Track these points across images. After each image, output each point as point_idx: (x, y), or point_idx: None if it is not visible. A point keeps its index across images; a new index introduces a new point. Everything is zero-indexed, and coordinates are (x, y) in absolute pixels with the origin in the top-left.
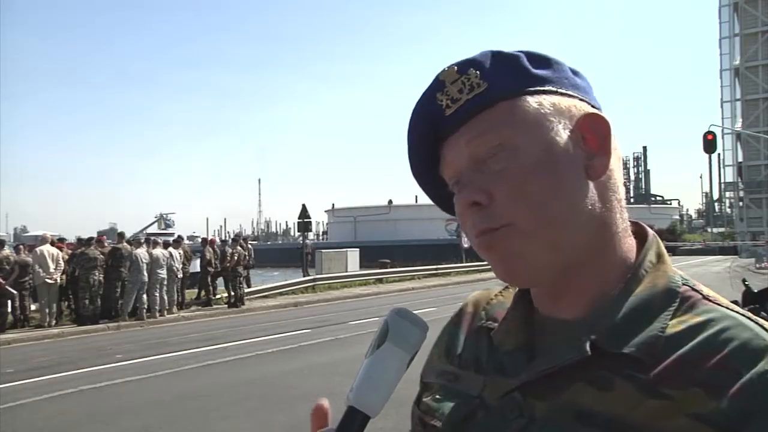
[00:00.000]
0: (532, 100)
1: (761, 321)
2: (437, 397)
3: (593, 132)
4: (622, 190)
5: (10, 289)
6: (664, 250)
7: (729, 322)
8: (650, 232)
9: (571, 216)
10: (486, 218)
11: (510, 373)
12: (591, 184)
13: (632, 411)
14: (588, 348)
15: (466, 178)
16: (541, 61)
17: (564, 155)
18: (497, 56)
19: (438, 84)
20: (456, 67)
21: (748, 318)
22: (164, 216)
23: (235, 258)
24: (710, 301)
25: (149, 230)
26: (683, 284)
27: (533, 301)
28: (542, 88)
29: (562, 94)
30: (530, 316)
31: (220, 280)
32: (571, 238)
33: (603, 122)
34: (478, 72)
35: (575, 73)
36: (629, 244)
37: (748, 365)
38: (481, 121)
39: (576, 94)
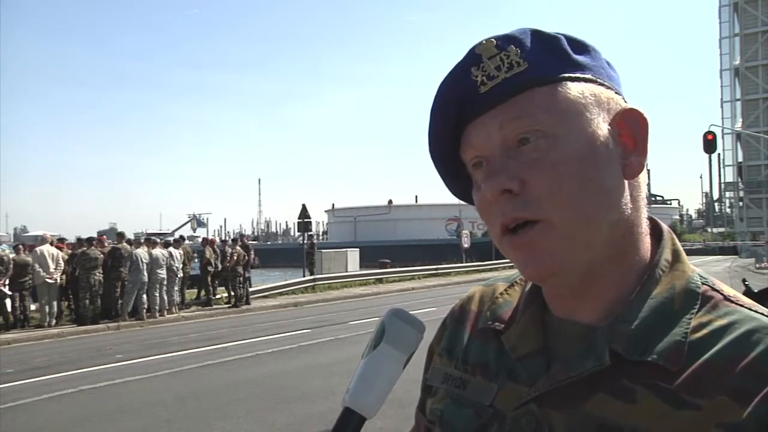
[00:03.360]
0: (574, 88)
1: None
2: (445, 404)
3: (631, 129)
4: (645, 190)
5: (3, 289)
6: (680, 247)
7: (754, 324)
8: (665, 228)
9: (607, 215)
10: (519, 206)
11: (524, 380)
12: (625, 183)
13: (658, 423)
14: (607, 356)
15: (497, 164)
16: (580, 46)
17: (604, 150)
18: (537, 35)
19: (474, 58)
20: (495, 41)
21: None
22: (197, 216)
23: (234, 258)
24: (732, 301)
25: (182, 230)
26: (703, 283)
27: (547, 302)
28: (582, 76)
29: (600, 84)
30: (543, 319)
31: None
32: (603, 237)
33: (642, 119)
34: (518, 50)
35: (608, 64)
36: (647, 243)
37: None
38: (519, 103)
39: (612, 86)
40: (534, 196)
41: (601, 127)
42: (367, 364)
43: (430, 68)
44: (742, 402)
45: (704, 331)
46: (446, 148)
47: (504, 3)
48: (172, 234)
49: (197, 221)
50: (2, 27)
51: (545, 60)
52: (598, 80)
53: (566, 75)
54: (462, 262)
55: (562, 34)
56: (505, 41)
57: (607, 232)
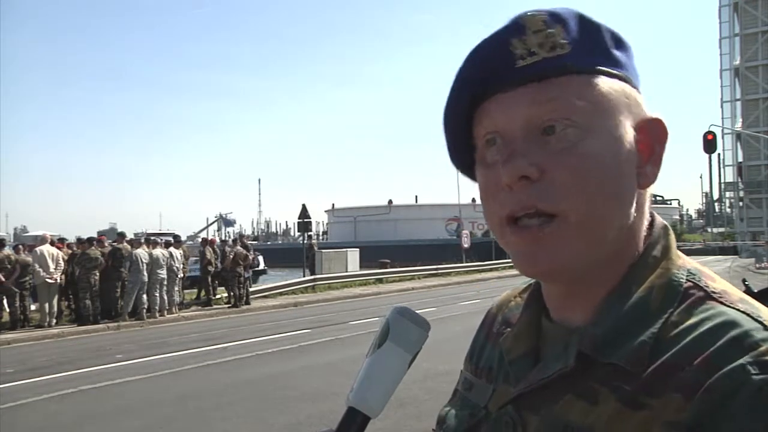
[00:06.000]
0: (609, 84)
1: (764, 315)
2: (453, 404)
3: (651, 138)
4: (649, 200)
5: (12, 287)
6: (673, 243)
7: (722, 319)
8: (658, 223)
9: (619, 219)
10: (536, 195)
11: (513, 383)
12: (637, 192)
13: (613, 424)
14: (573, 359)
15: (519, 146)
16: (618, 40)
17: (627, 154)
18: (582, 20)
19: (517, 28)
20: (543, 15)
21: (747, 314)
22: (224, 216)
23: (231, 257)
24: (714, 298)
25: (210, 230)
26: (688, 280)
27: (547, 305)
28: (618, 73)
29: (632, 85)
30: (538, 322)
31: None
32: (609, 240)
33: (664, 131)
34: (563, 31)
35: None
36: (642, 243)
37: (727, 362)
38: (554, 86)
39: (638, 89)
40: (553, 186)
41: (628, 130)
42: (372, 362)
43: (431, 68)
44: (689, 397)
45: (675, 330)
46: (462, 115)
47: (502, 3)
48: (197, 234)
49: (224, 221)
50: (2, 27)
51: (586, 48)
52: (630, 81)
53: (604, 69)
54: (462, 262)
55: (605, 26)
56: (553, 18)
57: (614, 234)
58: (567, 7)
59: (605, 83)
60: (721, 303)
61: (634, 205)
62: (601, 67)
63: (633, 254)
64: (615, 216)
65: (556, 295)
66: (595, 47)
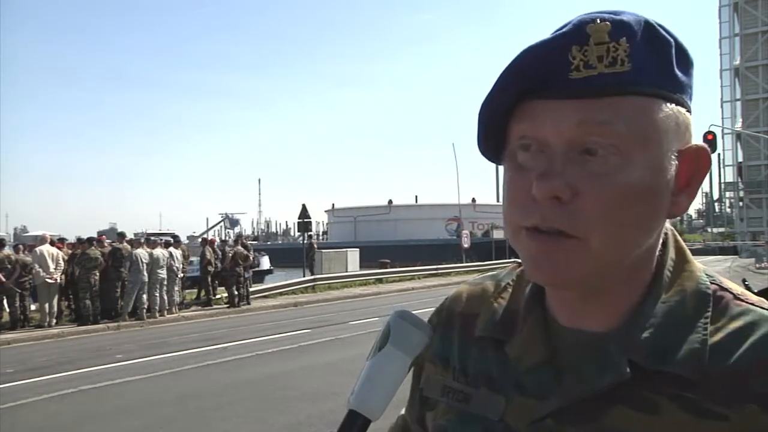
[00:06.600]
0: (664, 110)
1: None
2: (449, 420)
3: (692, 168)
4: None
5: (13, 287)
6: (684, 245)
7: None
8: (667, 226)
9: (641, 248)
10: (563, 217)
11: (534, 393)
12: (664, 219)
13: None
14: (627, 368)
15: (558, 162)
16: (684, 60)
17: (665, 187)
18: (650, 32)
19: (581, 36)
20: (609, 25)
21: None
22: (230, 215)
23: (230, 257)
24: (742, 300)
25: (214, 231)
26: (712, 283)
27: (550, 307)
28: (675, 97)
29: (688, 110)
30: (544, 326)
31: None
32: (626, 262)
33: (707, 164)
34: (628, 45)
35: None
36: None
37: None
38: (607, 108)
39: (690, 110)
40: (581, 211)
41: (671, 161)
42: (372, 366)
43: (431, 68)
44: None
45: (721, 335)
46: (504, 108)
47: (503, 2)
48: (201, 235)
49: (230, 221)
50: (2, 27)
51: (649, 66)
52: (686, 105)
53: (663, 92)
54: (462, 262)
55: (674, 39)
56: (619, 29)
57: (632, 258)
58: (636, 15)
59: (660, 109)
60: (753, 305)
61: (660, 230)
62: (660, 91)
63: (650, 262)
64: (639, 245)
65: (568, 301)
66: (658, 66)
